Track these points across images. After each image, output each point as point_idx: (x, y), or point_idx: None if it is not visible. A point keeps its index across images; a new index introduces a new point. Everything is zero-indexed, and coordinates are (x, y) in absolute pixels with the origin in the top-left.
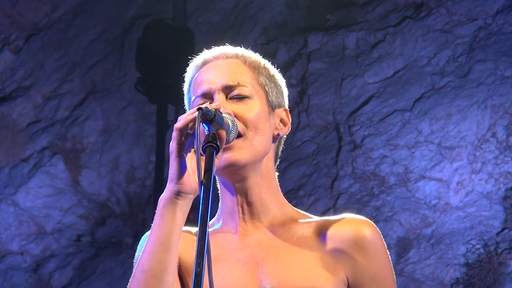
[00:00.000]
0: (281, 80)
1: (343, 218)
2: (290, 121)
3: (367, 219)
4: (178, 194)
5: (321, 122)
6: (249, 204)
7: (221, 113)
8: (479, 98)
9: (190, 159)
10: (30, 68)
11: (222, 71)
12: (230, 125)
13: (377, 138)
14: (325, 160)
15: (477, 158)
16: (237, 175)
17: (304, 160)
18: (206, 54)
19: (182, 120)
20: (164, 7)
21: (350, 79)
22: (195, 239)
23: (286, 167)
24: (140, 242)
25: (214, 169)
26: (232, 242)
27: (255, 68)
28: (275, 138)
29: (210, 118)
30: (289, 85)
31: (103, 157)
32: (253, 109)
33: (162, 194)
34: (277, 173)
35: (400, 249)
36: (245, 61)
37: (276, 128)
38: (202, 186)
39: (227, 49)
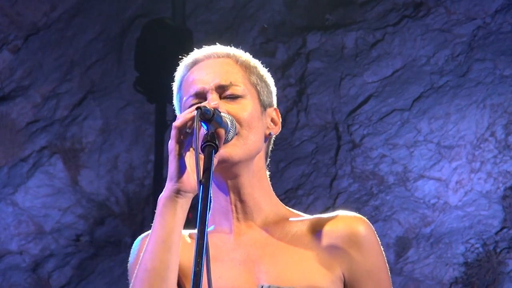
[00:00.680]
0: (270, 80)
1: (336, 216)
2: (280, 120)
3: (360, 216)
4: (178, 192)
5: (320, 122)
6: (242, 202)
7: (220, 112)
8: (478, 97)
9: (189, 158)
10: (29, 67)
11: (215, 71)
12: (229, 124)
13: (376, 138)
14: (324, 160)
15: (476, 158)
16: (229, 172)
17: (303, 160)
18: (196, 53)
19: (180, 119)
20: (163, 7)
21: (349, 79)
22: (189, 241)
23: (285, 166)
24: (133, 246)
25: (213, 168)
26: (227, 242)
27: (247, 68)
28: (266, 138)
29: (209, 117)
30: (288, 85)
31: (102, 157)
32: (247, 108)
33: (162, 193)
34: (268, 173)
35: (399, 248)
36: (236, 60)
37: (268, 128)
38: (201, 185)
39: (218, 48)
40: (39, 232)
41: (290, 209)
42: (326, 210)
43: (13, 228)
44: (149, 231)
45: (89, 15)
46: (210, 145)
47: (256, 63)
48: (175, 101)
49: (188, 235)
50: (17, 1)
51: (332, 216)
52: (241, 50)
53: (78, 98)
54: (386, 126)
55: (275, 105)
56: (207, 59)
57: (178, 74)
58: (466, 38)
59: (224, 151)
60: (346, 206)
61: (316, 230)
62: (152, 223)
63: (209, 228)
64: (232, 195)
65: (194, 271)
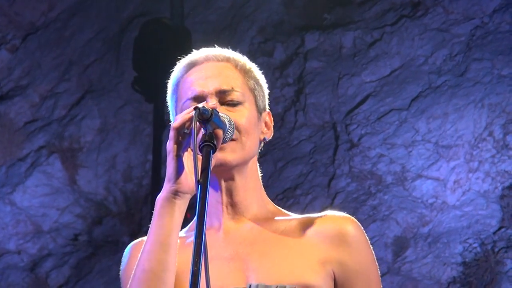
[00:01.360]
0: (264, 82)
1: (325, 215)
2: (273, 124)
3: (349, 216)
4: (175, 193)
5: (318, 121)
6: (234, 204)
7: (218, 112)
8: (476, 97)
9: (187, 158)
10: (27, 67)
11: (215, 75)
12: (227, 124)
13: (374, 137)
14: (322, 159)
15: (474, 157)
16: (225, 175)
17: (301, 159)
18: (195, 55)
19: (179, 120)
20: (161, 7)
21: (347, 78)
22: (183, 242)
23: (283, 166)
24: (124, 253)
25: (211, 168)
26: (216, 240)
27: (245, 72)
28: (261, 142)
29: (207, 117)
30: (286, 84)
31: (100, 156)
32: (245, 114)
33: (160, 194)
34: (260, 174)
35: (397, 248)
36: (236, 65)
37: (262, 133)
38: (199, 186)
39: (217, 51)
40: (37, 232)
41: (281, 209)
42: (324, 209)
43: (11, 227)
44: (140, 238)
45: (87, 15)
46: (208, 145)
47: (252, 66)
48: (169, 102)
49: (183, 236)
50: (15, 0)
51: (321, 216)
52: (237, 51)
53: (76, 97)
54: (384, 126)
55: (267, 108)
56: (206, 61)
57: (174, 75)
58: (464, 37)
59: (222, 156)
60: (344, 205)
61: (305, 229)
62: (150, 223)
63: None
64: (224, 196)
65: (192, 271)
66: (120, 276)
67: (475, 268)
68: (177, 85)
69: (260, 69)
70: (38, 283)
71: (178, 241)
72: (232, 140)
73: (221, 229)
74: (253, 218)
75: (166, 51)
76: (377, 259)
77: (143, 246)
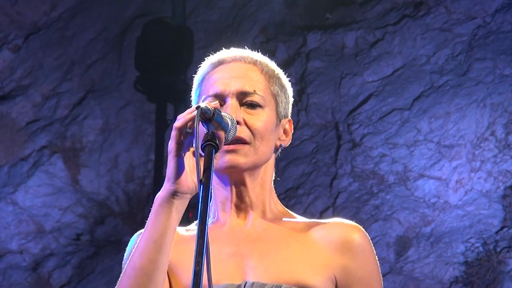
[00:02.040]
0: (290, 90)
1: (333, 222)
2: (292, 132)
3: (357, 224)
4: (174, 193)
5: (320, 121)
6: (242, 203)
7: (220, 112)
8: (478, 96)
9: (189, 158)
10: (29, 67)
11: (239, 76)
12: (229, 123)
13: (376, 137)
14: (324, 159)
15: (476, 157)
16: (236, 177)
17: (303, 159)
18: (224, 53)
19: (181, 120)
20: (163, 6)
21: (349, 78)
22: (180, 237)
23: (285, 165)
24: (130, 242)
25: (213, 168)
26: (219, 234)
27: (270, 77)
28: (277, 148)
29: (209, 116)
30: None
31: (102, 156)
32: (263, 119)
33: (159, 193)
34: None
35: (399, 247)
36: (262, 69)
37: (279, 139)
38: (201, 185)
39: (246, 53)
40: (40, 231)
41: (290, 211)
42: (326, 209)
43: (14, 227)
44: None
45: (90, 15)
46: (211, 145)
47: (279, 72)
48: (193, 95)
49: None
50: (17, 0)
51: (329, 222)
52: (267, 57)
53: (78, 97)
54: (386, 126)
55: (289, 116)
56: (234, 62)
57: (201, 70)
58: (466, 37)
59: (235, 158)
60: (346, 205)
61: (311, 232)
62: None
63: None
64: (233, 195)
65: (195, 271)
66: (123, 262)
67: (477, 267)
68: (202, 81)
69: None
70: (40, 282)
71: (185, 233)
72: (246, 143)
73: (225, 225)
74: (260, 217)
75: (168, 51)
76: (379, 259)
77: (137, 243)
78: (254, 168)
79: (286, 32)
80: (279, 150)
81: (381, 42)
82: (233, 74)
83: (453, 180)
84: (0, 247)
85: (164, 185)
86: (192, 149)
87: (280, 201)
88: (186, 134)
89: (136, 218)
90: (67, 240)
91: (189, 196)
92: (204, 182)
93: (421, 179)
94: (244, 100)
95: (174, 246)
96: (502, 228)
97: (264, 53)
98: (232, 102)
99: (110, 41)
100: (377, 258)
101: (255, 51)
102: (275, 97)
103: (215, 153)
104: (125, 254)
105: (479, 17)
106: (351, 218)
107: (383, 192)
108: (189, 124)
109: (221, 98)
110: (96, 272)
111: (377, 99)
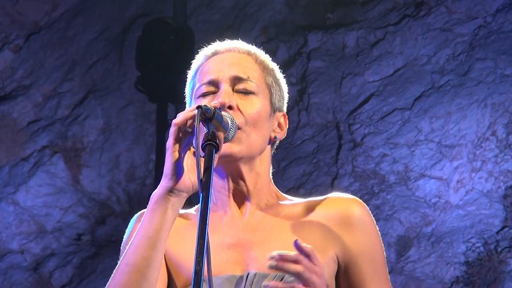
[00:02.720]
0: (285, 86)
1: (328, 197)
2: (287, 127)
3: (354, 197)
4: (171, 191)
5: (321, 121)
6: (239, 192)
7: (221, 111)
8: (479, 96)
9: (187, 157)
10: (30, 67)
11: (233, 63)
12: (230, 123)
13: (377, 137)
14: (325, 159)
15: (477, 157)
16: (231, 167)
17: (304, 159)
18: (218, 45)
19: (180, 117)
20: (164, 6)
21: (350, 78)
22: (182, 222)
23: (286, 165)
24: (129, 225)
25: (214, 167)
26: (219, 225)
27: (265, 68)
28: (271, 140)
29: (210, 116)
30: (289, 84)
31: (103, 156)
32: (256, 106)
33: (156, 190)
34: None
35: (400, 247)
36: (256, 59)
37: (274, 131)
38: (201, 184)
39: (240, 44)
40: (40, 231)
41: (285, 195)
42: None
43: (14, 227)
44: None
45: (91, 15)
46: (211, 144)
47: (274, 66)
48: (187, 89)
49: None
50: (18, 0)
51: (325, 198)
52: (262, 50)
53: (79, 97)
54: (387, 125)
55: (284, 111)
56: (228, 52)
57: (195, 62)
58: (467, 37)
59: (229, 146)
60: None
61: (308, 212)
62: None
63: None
64: (230, 184)
65: (195, 270)
66: (121, 248)
67: (478, 267)
68: (196, 72)
69: None
70: (41, 283)
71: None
72: (238, 129)
73: (226, 215)
74: (258, 205)
75: (169, 51)
76: None
77: (131, 239)
78: (249, 158)
79: (287, 32)
80: (275, 144)
81: (382, 42)
82: (227, 62)
83: (454, 180)
84: (1, 247)
85: (161, 182)
86: (192, 149)
87: None
88: (186, 133)
89: None
90: (68, 240)
91: (186, 195)
92: (205, 182)
93: (422, 179)
94: (238, 86)
95: (173, 232)
96: (503, 228)
97: (265, 53)
98: (225, 87)
99: (111, 41)
100: (378, 229)
101: None
102: (269, 87)
103: (215, 153)
104: (124, 237)
105: (480, 17)
106: None
107: (384, 192)
108: (189, 123)
109: (215, 84)
110: (97, 272)
111: (378, 99)
